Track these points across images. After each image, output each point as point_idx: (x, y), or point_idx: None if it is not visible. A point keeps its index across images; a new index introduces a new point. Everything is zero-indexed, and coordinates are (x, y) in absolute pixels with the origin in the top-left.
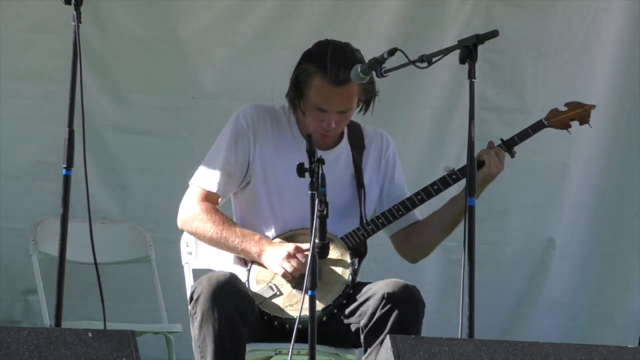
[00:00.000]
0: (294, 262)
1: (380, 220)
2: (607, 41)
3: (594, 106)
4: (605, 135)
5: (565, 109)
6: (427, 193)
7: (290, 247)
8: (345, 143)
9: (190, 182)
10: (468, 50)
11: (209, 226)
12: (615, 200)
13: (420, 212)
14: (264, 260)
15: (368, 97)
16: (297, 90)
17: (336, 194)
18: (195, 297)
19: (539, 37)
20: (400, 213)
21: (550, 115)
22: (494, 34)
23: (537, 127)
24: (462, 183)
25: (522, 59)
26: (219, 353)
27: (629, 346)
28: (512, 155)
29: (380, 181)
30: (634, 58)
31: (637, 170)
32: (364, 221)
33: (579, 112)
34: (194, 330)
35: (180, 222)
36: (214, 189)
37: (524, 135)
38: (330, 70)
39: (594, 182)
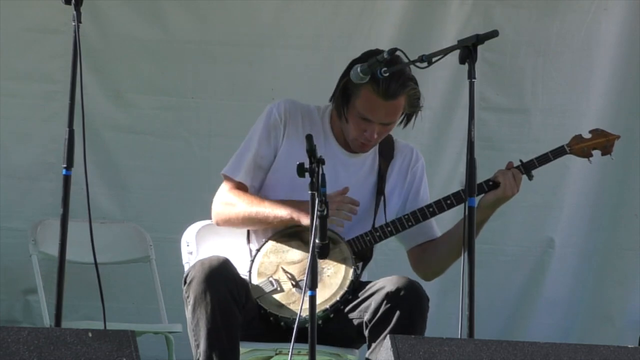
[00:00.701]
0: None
1: (389, 229)
2: (607, 41)
3: (618, 137)
4: None
5: (589, 136)
6: (440, 207)
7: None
8: (373, 150)
9: (221, 173)
10: (468, 50)
11: (241, 206)
12: (614, 200)
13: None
14: (300, 218)
15: (412, 110)
16: (344, 98)
17: (355, 196)
18: (188, 281)
19: (539, 37)
20: (409, 224)
21: (573, 141)
22: (493, 34)
23: (558, 152)
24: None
25: (521, 59)
26: (212, 336)
27: (629, 346)
28: (530, 177)
29: (404, 194)
30: (634, 58)
31: (637, 170)
32: (374, 227)
33: (602, 142)
34: (188, 313)
35: (215, 218)
36: (243, 180)
37: (544, 159)
38: (381, 83)
39: (593, 182)
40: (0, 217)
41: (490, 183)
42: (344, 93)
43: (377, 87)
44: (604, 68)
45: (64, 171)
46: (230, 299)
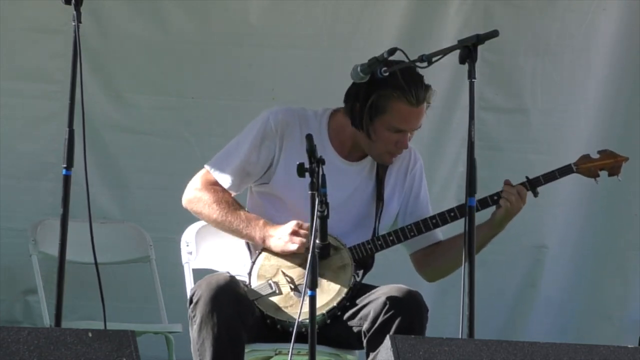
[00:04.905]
0: (297, 240)
1: (391, 238)
2: (606, 41)
3: (627, 158)
4: (602, 134)
5: (597, 156)
6: (443, 219)
7: (292, 224)
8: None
9: (205, 165)
10: (468, 50)
11: (214, 208)
12: (614, 199)
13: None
14: (269, 245)
15: (427, 106)
16: (370, 117)
17: (354, 205)
18: (194, 300)
19: (538, 37)
20: (412, 234)
21: (581, 161)
22: (494, 34)
23: (565, 171)
24: (482, 213)
25: (520, 59)
26: (217, 357)
27: (629, 346)
28: (536, 194)
29: (404, 197)
30: (633, 58)
31: (636, 170)
32: (375, 235)
33: (610, 163)
34: (193, 333)
35: (184, 202)
36: (226, 185)
37: (550, 177)
38: (411, 92)
39: (592, 181)
40: (0, 217)
41: (495, 198)
42: (371, 113)
43: (409, 97)
44: (603, 68)
45: (64, 171)
46: (237, 319)
